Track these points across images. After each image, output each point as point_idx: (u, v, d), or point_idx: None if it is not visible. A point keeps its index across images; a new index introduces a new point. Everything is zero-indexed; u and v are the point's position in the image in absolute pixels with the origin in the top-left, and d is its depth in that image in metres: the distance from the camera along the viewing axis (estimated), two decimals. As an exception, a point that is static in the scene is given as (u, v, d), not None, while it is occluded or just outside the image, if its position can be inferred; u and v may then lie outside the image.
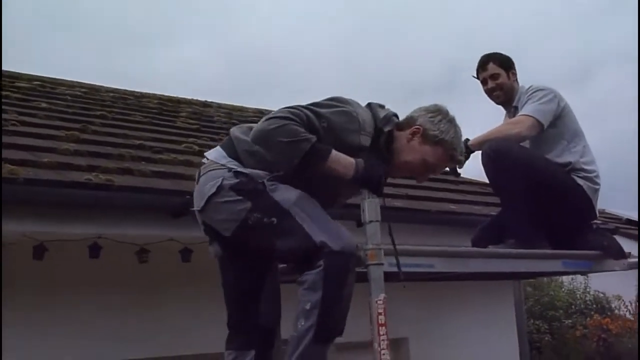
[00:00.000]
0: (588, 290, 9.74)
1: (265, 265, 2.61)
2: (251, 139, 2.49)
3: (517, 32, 37.75)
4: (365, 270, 2.61)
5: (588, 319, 8.76)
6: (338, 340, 2.95)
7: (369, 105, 2.74)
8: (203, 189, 2.50)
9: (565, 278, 9.87)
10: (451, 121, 2.77)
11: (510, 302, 4.49)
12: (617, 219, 11.10)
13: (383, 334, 2.58)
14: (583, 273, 4.48)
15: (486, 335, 5.13)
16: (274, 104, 9.18)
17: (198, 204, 2.52)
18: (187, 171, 4.10)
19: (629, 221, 10.95)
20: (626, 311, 8.91)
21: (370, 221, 2.61)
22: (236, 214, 2.43)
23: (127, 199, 3.32)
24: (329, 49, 40.02)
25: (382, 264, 2.62)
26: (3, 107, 4.85)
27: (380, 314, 2.58)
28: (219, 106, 8.54)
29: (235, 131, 2.65)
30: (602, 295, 9.56)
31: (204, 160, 2.60)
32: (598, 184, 3.75)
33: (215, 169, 2.52)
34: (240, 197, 2.44)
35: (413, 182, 5.74)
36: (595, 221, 5.56)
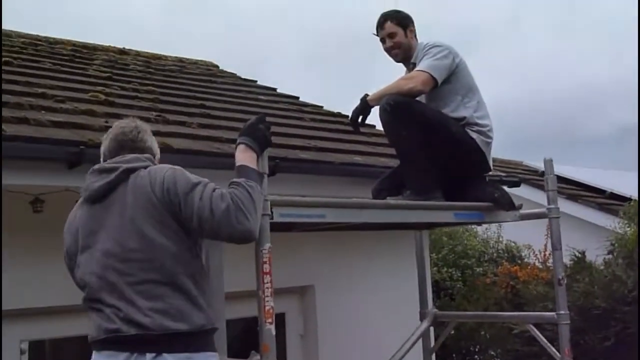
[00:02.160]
0: (500, 239, 10.05)
1: None
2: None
3: None
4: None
5: (499, 267, 9.06)
6: (227, 289, 3.03)
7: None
8: None
9: (479, 228, 10.14)
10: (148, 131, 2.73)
11: (412, 251, 4.65)
12: (534, 171, 11.60)
13: (267, 282, 2.67)
14: (476, 223, 4.67)
15: (390, 283, 5.29)
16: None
17: None
18: (87, 121, 4.02)
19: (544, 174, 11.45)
20: (535, 259, 9.27)
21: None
22: None
23: (18, 149, 3.24)
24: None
25: (268, 215, 2.71)
26: None
27: (264, 262, 2.66)
28: (137, 54, 8.33)
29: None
30: (513, 244, 9.89)
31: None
32: (491, 137, 3.88)
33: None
34: None
35: (325, 134, 5.84)
36: (500, 174, 5.77)
